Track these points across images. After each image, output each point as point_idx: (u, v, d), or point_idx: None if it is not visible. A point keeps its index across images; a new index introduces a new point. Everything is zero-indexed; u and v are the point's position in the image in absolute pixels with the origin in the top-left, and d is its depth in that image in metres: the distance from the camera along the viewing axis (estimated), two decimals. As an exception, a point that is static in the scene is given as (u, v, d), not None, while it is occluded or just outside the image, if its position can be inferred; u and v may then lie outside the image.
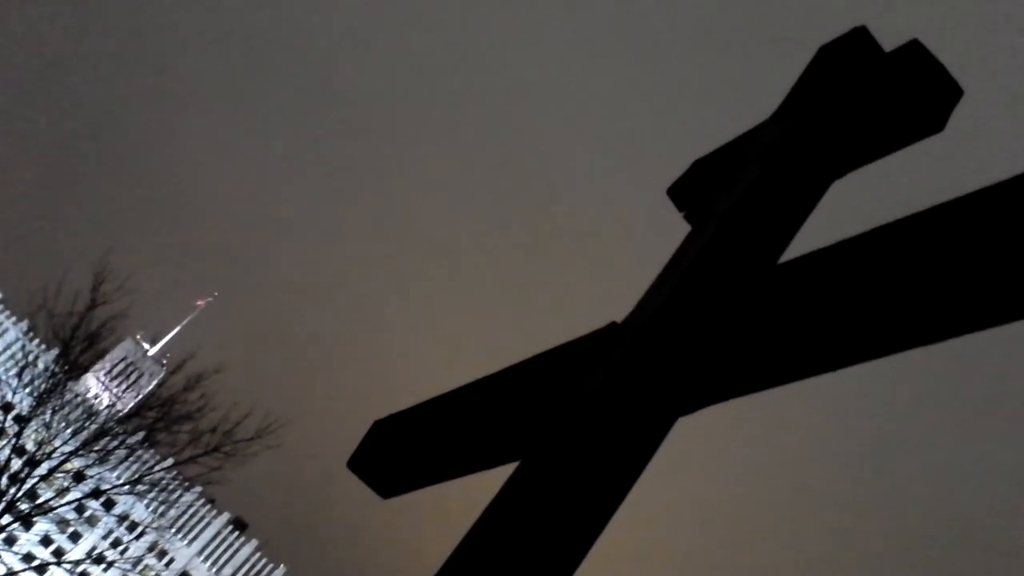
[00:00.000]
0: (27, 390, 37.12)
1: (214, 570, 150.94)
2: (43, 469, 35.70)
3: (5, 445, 34.56)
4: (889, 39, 2.56)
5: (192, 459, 36.04)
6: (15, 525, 36.45)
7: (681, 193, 3.01)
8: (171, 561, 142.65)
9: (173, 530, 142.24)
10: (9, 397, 39.17)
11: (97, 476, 39.40)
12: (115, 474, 40.91)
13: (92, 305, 35.78)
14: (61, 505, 38.50)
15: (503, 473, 2.12)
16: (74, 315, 35.63)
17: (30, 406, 36.58)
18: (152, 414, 37.66)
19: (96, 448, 36.69)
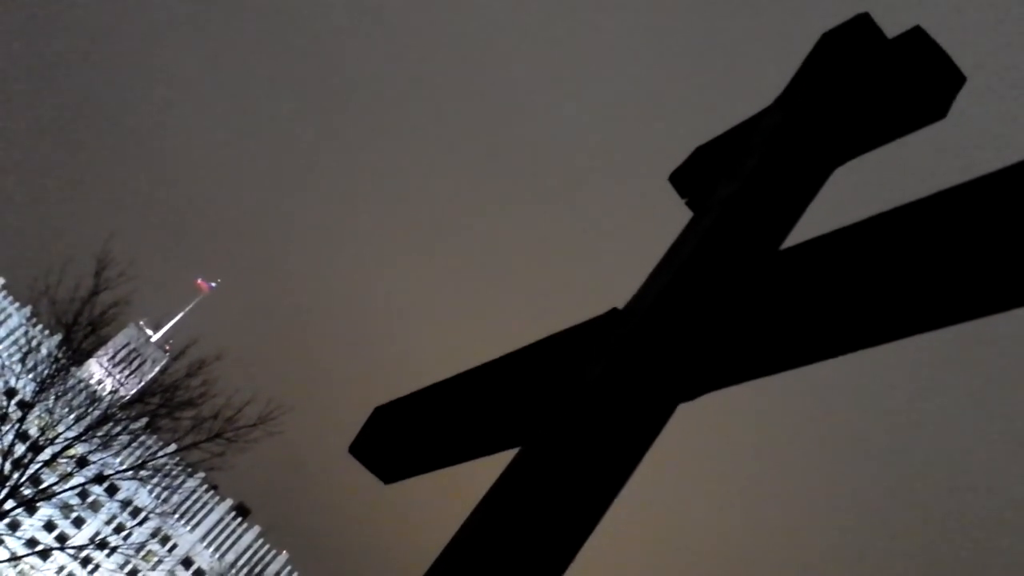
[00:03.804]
0: (30, 376, 37.18)
1: (217, 556, 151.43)
2: (46, 455, 35.79)
3: (8, 431, 34.61)
4: (892, 26, 2.56)
5: (195, 445, 36.13)
6: (19, 510, 36.56)
7: (683, 180, 3.01)
8: (174, 547, 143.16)
9: (176, 516, 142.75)
10: (12, 383, 39.22)
11: (100, 462, 39.47)
12: (118, 460, 40.94)
13: (95, 291, 35.77)
14: (64, 491, 38.59)
15: (504, 459, 2.13)
16: (77, 301, 35.64)
17: (33, 392, 36.63)
18: (155, 400, 37.73)
19: (99, 434, 36.74)
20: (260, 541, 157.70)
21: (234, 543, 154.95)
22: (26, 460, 34.40)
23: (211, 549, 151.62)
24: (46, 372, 36.60)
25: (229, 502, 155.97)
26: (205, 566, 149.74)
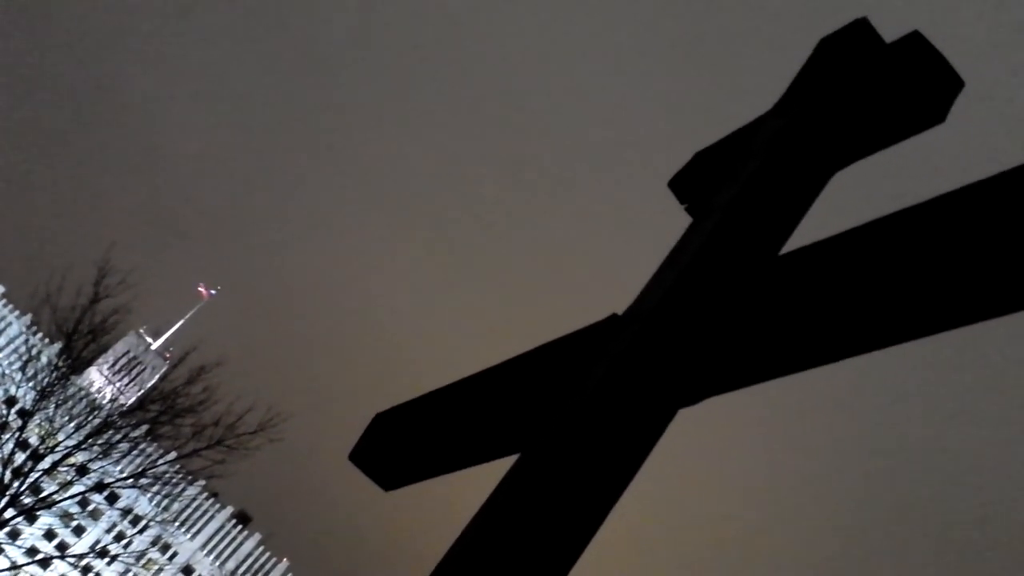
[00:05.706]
0: (30, 384, 37.13)
1: (217, 564, 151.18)
2: (46, 463, 35.71)
3: (9, 439, 34.57)
4: (890, 31, 2.56)
5: (195, 453, 36.04)
6: (19, 519, 36.52)
7: (682, 185, 3.01)
8: (174, 555, 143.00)
9: (176, 524, 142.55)
10: (13, 391, 39.18)
11: (100, 470, 39.42)
12: (118, 468, 40.95)
13: (95, 299, 35.73)
14: (64, 499, 38.55)
15: (505, 465, 2.13)
16: (77, 309, 35.62)
17: (33, 400, 36.59)
18: (155, 408, 37.65)
19: (99, 442, 36.69)
20: (261, 549, 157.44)
21: (235, 551, 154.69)
22: (26, 469, 34.34)
23: (212, 557, 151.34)
24: (46, 380, 36.57)
25: (229, 509, 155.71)
26: (206, 574, 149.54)
